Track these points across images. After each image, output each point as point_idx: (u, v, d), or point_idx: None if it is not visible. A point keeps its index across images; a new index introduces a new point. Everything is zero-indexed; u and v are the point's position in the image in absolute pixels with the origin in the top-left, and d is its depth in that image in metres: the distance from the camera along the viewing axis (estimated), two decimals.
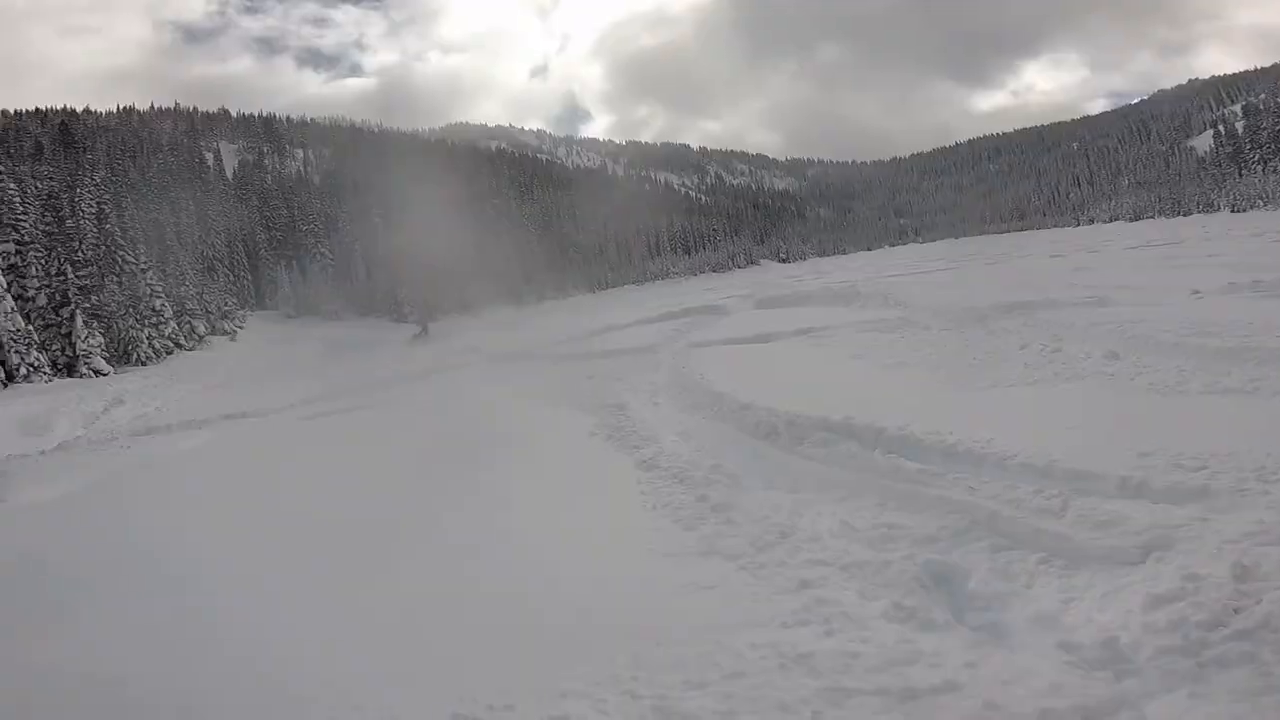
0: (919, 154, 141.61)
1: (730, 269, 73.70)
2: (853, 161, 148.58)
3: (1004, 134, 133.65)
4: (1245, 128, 67.47)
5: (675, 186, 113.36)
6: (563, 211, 69.15)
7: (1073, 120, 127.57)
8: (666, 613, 3.23)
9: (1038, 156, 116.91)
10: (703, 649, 2.88)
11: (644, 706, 2.57)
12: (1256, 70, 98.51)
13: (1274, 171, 56.00)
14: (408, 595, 3.75)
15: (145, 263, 30.05)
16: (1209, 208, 58.22)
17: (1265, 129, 62.52)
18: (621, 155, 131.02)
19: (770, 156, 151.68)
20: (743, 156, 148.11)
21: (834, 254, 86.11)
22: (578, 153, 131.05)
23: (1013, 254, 31.73)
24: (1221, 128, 74.51)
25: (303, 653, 3.21)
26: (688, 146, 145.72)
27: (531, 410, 9.35)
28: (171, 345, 29.67)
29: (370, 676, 2.94)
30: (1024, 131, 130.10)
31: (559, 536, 4.38)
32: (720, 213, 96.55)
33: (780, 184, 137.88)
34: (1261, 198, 52.05)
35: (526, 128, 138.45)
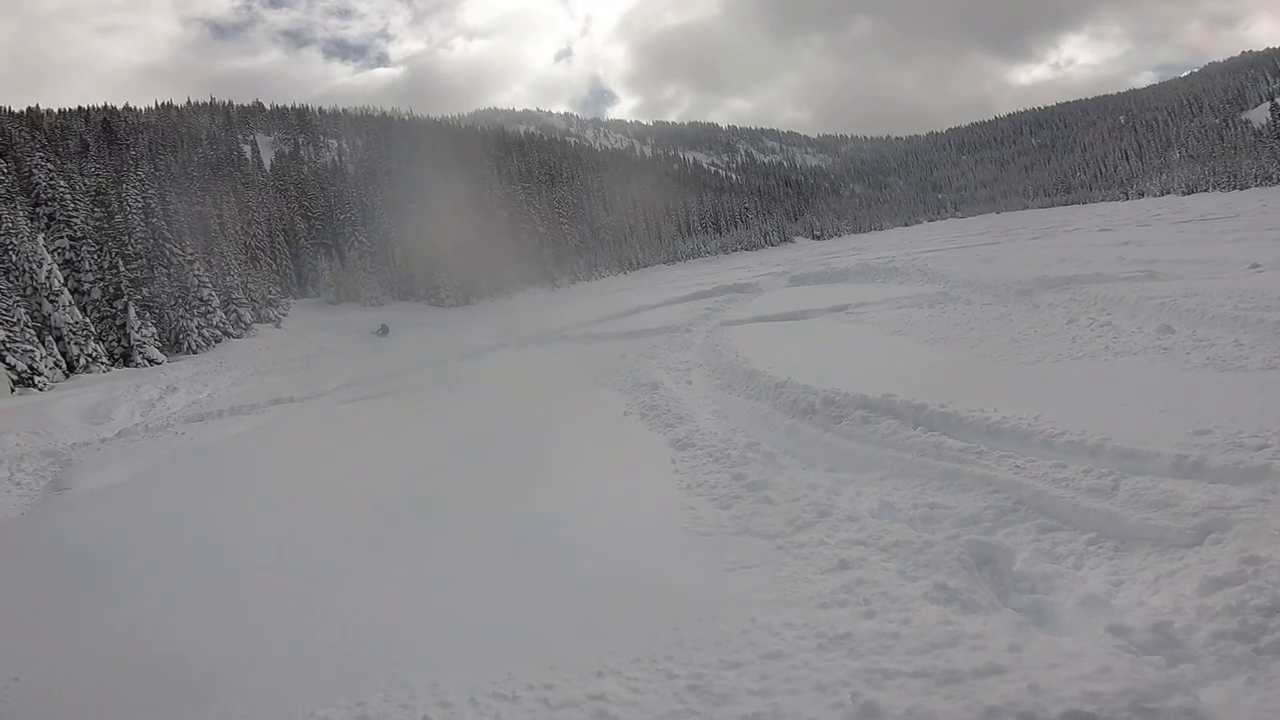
0: (956, 128, 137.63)
1: (763, 246, 72.78)
2: (887, 137, 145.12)
3: (1046, 108, 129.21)
4: None
5: (705, 165, 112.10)
6: (592, 193, 69.00)
7: (1119, 93, 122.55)
8: (702, 592, 3.22)
9: (1082, 130, 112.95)
10: (739, 628, 2.86)
11: (679, 685, 2.57)
12: None
13: None
14: (454, 575, 3.81)
15: (192, 254, 30.97)
16: (1268, 181, 55.96)
17: None
18: (649, 136, 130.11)
19: (802, 134, 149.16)
20: (773, 134, 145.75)
21: (870, 230, 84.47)
22: (605, 134, 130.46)
23: (1057, 228, 30.63)
24: (1279, 100, 71.29)
25: (358, 633, 3.29)
26: (716, 125, 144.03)
27: (567, 391, 9.41)
28: (220, 334, 30.62)
29: (419, 655, 3.00)
30: (1067, 105, 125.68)
31: (597, 517, 4.39)
32: (752, 191, 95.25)
33: (813, 160, 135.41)
34: None
35: (554, 111, 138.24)
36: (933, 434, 4.79)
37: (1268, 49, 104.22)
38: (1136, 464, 3.87)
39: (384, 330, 32.87)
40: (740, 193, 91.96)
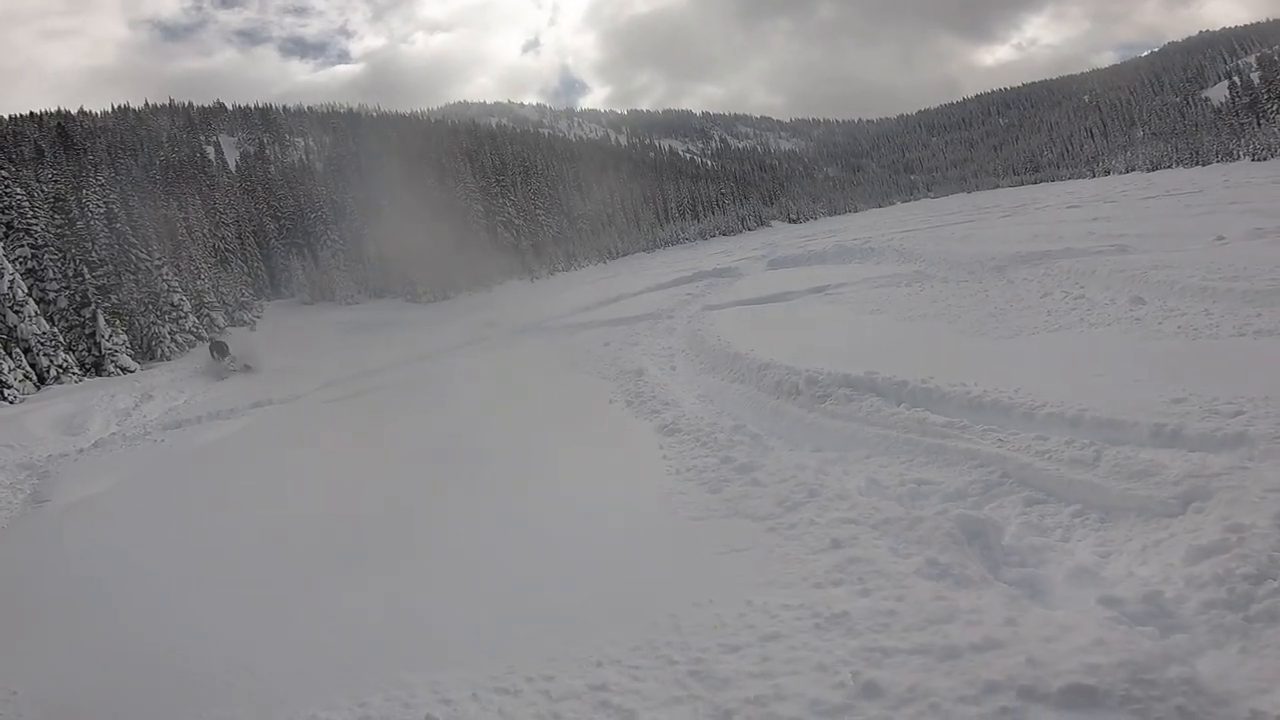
0: (926, 110, 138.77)
1: (741, 231, 72.81)
2: (859, 120, 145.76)
3: (1012, 88, 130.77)
4: (1262, 79, 66.17)
5: (680, 153, 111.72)
6: (568, 184, 68.47)
7: (1082, 73, 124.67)
8: (697, 577, 3.22)
9: (1048, 110, 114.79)
10: (736, 611, 2.87)
11: (680, 671, 2.58)
12: (1269, 21, 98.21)
13: None
14: (446, 573, 3.77)
15: (159, 259, 30.23)
16: (1228, 157, 57.29)
17: None
18: (623, 125, 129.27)
19: (775, 119, 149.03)
20: (747, 120, 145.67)
21: (845, 212, 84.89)
22: (579, 124, 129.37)
23: (1028, 206, 31.03)
24: (1237, 79, 73.85)
25: (355, 633, 3.26)
26: (691, 112, 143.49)
27: (551, 382, 9.35)
28: (193, 339, 29.97)
29: (416, 654, 2.98)
30: (1033, 85, 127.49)
31: (588, 506, 4.37)
32: (727, 176, 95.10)
33: (787, 145, 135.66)
34: None
35: (526, 103, 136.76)
36: (916, 410, 4.82)
37: (1224, 29, 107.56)
38: (1116, 434, 3.90)
39: (227, 357, 22.84)
40: (716, 179, 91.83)
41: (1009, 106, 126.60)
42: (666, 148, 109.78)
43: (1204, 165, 57.99)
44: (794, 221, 79.73)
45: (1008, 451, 3.99)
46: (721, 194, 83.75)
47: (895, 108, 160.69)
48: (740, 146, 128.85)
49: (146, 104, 75.06)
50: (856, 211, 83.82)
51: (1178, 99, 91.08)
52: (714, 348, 8.58)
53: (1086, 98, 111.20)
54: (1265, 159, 50.89)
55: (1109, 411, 4.10)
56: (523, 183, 59.91)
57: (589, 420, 6.74)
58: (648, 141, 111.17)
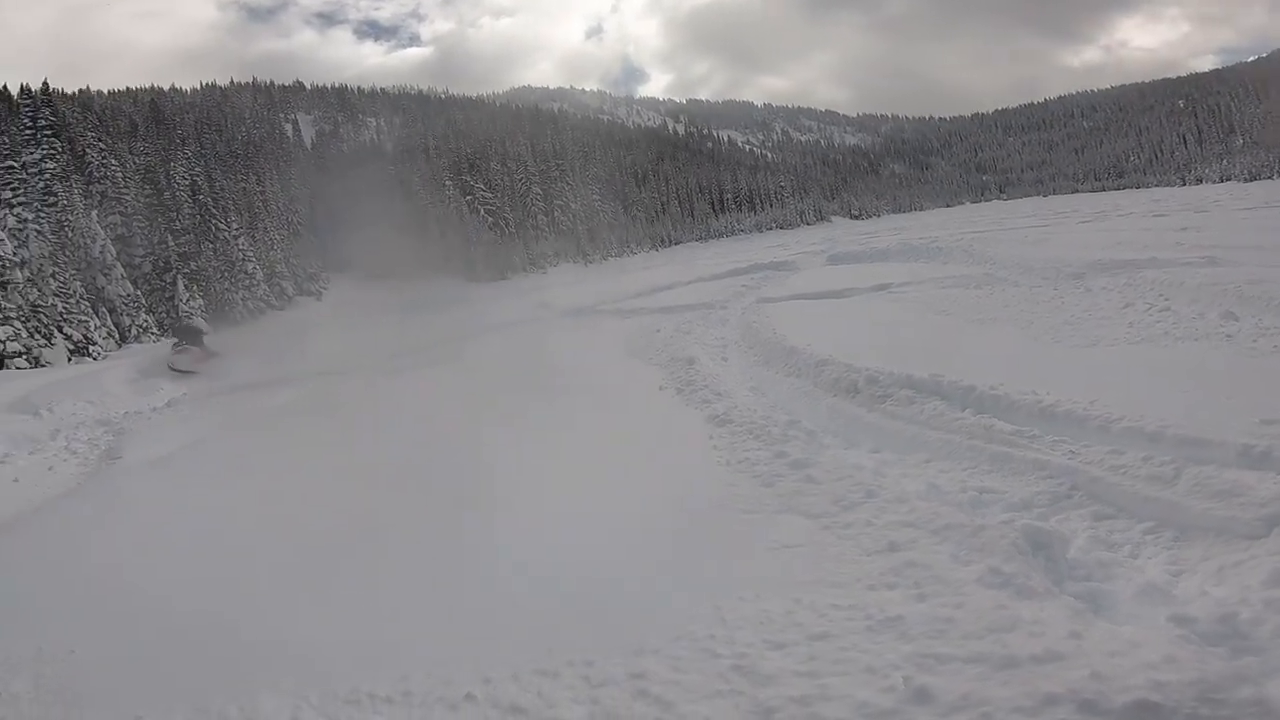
0: (1003, 109, 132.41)
1: (799, 225, 71.61)
2: (930, 117, 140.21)
3: (1099, 90, 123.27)
4: None
5: (739, 144, 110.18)
6: (625, 170, 68.47)
7: (1178, 77, 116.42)
8: (746, 570, 3.18)
9: (1138, 114, 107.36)
10: (784, 608, 2.82)
11: (723, 665, 2.54)
12: None
13: None
14: (499, 556, 3.77)
15: (237, 229, 31.73)
16: None
17: None
18: (682, 114, 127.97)
19: (840, 113, 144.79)
20: (810, 113, 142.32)
21: (910, 210, 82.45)
22: (638, 112, 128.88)
23: (1110, 212, 29.47)
24: None
25: (399, 614, 3.29)
26: (751, 103, 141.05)
27: (602, 363, 9.38)
28: (263, 306, 31.43)
29: (462, 635, 3.00)
30: (1123, 88, 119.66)
31: (639, 493, 4.35)
32: (788, 169, 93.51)
33: (852, 140, 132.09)
34: None
35: (586, 89, 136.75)
36: (982, 416, 4.66)
37: None
38: (1199, 452, 3.70)
39: (187, 347, 17.09)
40: (776, 171, 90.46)
41: (1094, 109, 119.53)
42: (725, 138, 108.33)
43: None
44: (856, 218, 77.87)
45: (1079, 464, 3.82)
46: (780, 187, 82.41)
47: (970, 106, 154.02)
48: (803, 140, 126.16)
49: (232, 81, 78.25)
50: (923, 210, 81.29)
51: None
52: (769, 340, 8.46)
53: (1181, 103, 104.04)
54: None
55: (1193, 429, 3.88)
56: (581, 167, 60.28)
57: (638, 405, 6.74)
58: (706, 131, 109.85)
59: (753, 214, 74.23)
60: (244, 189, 39.60)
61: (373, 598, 3.46)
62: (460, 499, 4.64)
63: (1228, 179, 67.37)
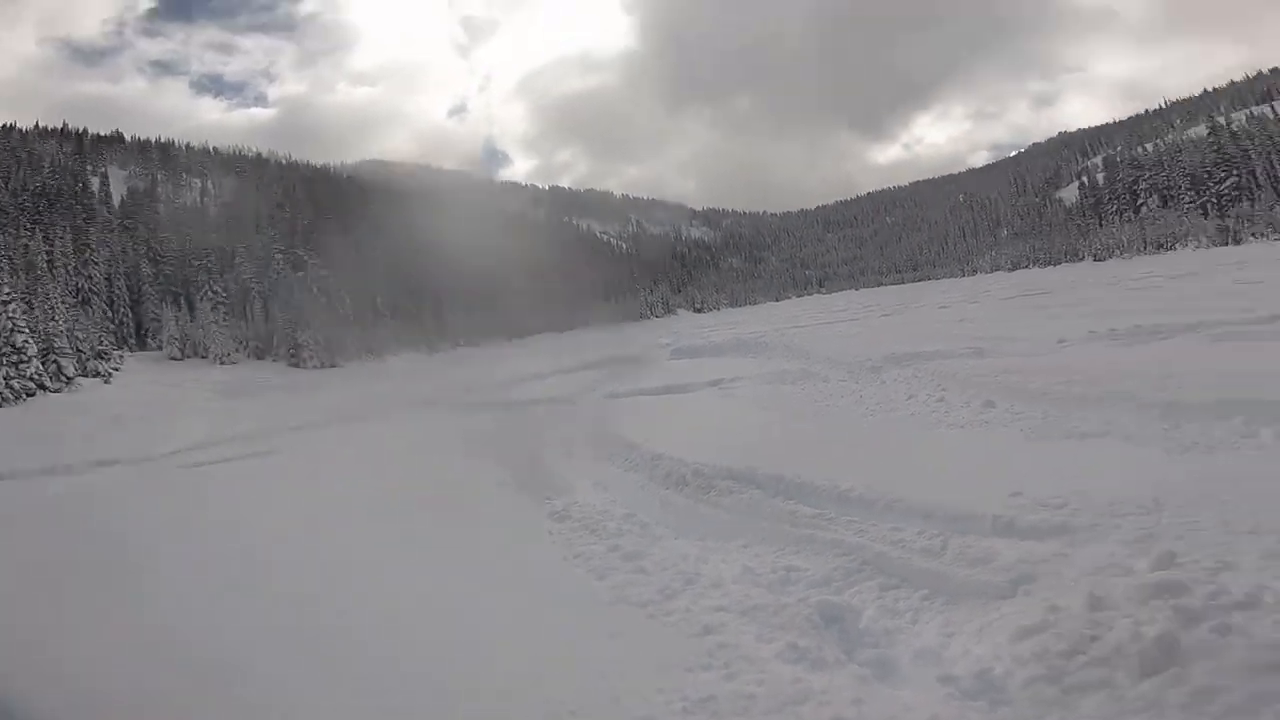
0: (824, 206, 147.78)
1: (649, 317, 75.11)
2: (764, 212, 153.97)
3: (900, 187, 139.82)
4: (1105, 179, 71.30)
5: (598, 234, 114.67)
6: (483, 255, 68.39)
7: (959, 173, 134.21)
8: (573, 661, 3.25)
9: (929, 209, 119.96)
10: (611, 695, 2.92)
11: None
12: (1115, 123, 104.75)
13: (1128, 222, 60.27)
14: (309, 666, 3.55)
15: (9, 294, 27.33)
16: (1074, 257, 61.85)
17: (1120, 181, 66.34)
18: (543, 200, 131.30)
19: (688, 206, 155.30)
20: (663, 205, 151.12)
21: (745, 304, 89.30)
22: (499, 196, 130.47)
23: (906, 305, 34.02)
24: (1085, 179, 78.54)
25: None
26: (610, 193, 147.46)
27: (442, 460, 9.14)
28: (33, 386, 26.85)
29: None
30: (917, 184, 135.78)
31: (469, 588, 4.31)
32: (641, 262, 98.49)
33: (697, 233, 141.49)
34: (1119, 246, 56.28)
35: (444, 168, 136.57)
36: (789, 502, 5.16)
37: (1079, 130, 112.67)
38: (963, 525, 4.33)
39: None
40: (630, 262, 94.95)
41: (896, 205, 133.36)
42: (585, 227, 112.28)
43: (1054, 265, 61.20)
44: (698, 311, 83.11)
45: (867, 541, 4.33)
46: (634, 279, 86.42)
47: (798, 201, 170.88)
48: (655, 233, 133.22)
49: (36, 125, 68.99)
50: (755, 304, 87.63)
51: (1037, 199, 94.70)
52: (612, 436, 8.82)
53: (961, 197, 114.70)
54: (1104, 259, 54.45)
55: (957, 505, 4.55)
56: (433, 250, 59.17)
57: (477, 503, 6.66)
58: (566, 219, 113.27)
59: (608, 305, 76.69)
60: (25, 246, 34.49)
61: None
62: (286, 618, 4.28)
63: (997, 269, 75.14)
